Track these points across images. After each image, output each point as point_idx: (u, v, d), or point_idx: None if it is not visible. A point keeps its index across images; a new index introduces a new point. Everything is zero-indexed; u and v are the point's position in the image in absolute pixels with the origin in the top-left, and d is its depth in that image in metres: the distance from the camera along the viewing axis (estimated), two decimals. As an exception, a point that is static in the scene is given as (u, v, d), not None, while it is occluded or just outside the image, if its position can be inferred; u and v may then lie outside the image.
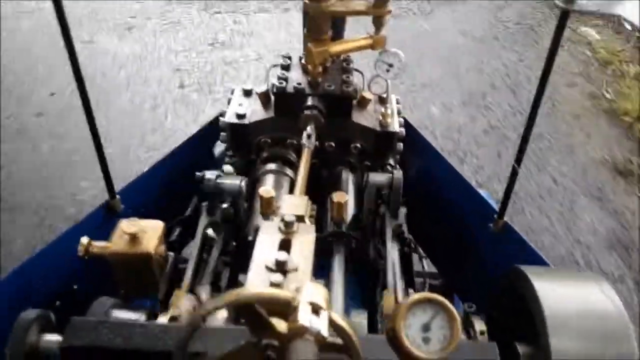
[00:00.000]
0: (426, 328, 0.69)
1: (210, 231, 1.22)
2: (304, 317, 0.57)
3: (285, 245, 0.80)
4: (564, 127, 3.22)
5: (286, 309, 0.61)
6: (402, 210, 1.24)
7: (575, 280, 0.97)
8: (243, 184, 1.20)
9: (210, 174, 1.19)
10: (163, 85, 3.39)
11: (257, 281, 0.72)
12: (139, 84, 3.38)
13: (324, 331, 0.57)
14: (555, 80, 3.51)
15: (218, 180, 1.19)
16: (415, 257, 1.60)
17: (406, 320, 0.68)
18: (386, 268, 1.12)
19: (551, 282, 0.92)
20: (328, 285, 1.08)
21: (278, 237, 0.82)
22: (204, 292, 1.08)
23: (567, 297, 0.89)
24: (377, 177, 1.22)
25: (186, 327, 0.62)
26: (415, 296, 0.69)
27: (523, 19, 4.21)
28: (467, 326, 0.97)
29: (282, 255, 0.75)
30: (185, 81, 3.44)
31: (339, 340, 0.63)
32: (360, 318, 0.98)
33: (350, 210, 1.22)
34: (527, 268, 0.94)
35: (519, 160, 1.10)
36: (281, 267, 0.74)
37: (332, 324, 0.60)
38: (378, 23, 1.27)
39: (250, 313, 0.64)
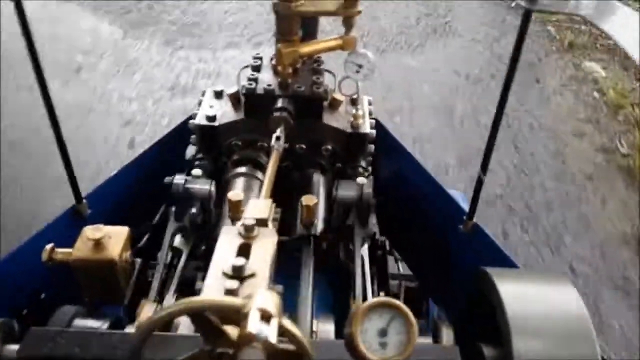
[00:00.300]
0: (383, 333, 0.68)
1: (178, 237, 1.21)
2: (253, 324, 0.56)
3: (244, 251, 0.79)
4: (576, 192, 2.85)
5: (238, 316, 0.60)
6: (372, 217, 1.23)
7: (540, 281, 0.97)
8: (212, 188, 1.19)
9: (178, 178, 1.18)
10: (109, 144, 2.87)
11: (212, 288, 0.71)
12: (81, 144, 2.82)
13: (272, 338, 0.56)
14: (562, 130, 3.20)
15: (187, 185, 1.18)
16: (391, 259, 1.60)
17: (362, 325, 0.68)
18: (355, 273, 1.11)
19: (516, 283, 0.92)
20: (297, 288, 1.07)
21: (238, 241, 0.81)
22: (171, 300, 1.07)
23: (530, 299, 0.89)
24: (346, 192, 1.21)
25: (136, 336, 0.61)
26: (371, 301, 0.68)
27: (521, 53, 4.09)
28: (434, 330, 0.97)
29: (239, 261, 0.74)
30: (137, 138, 2.91)
31: (292, 347, 0.62)
32: (327, 323, 0.97)
33: (320, 213, 1.21)
34: (492, 270, 0.94)
35: (490, 145, 1.08)
36: (238, 273, 0.73)
37: (283, 330, 0.59)
38: (348, 24, 1.26)
39: (203, 321, 0.63)
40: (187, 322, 0.90)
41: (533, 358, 0.79)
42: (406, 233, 1.49)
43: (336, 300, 1.20)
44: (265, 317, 0.57)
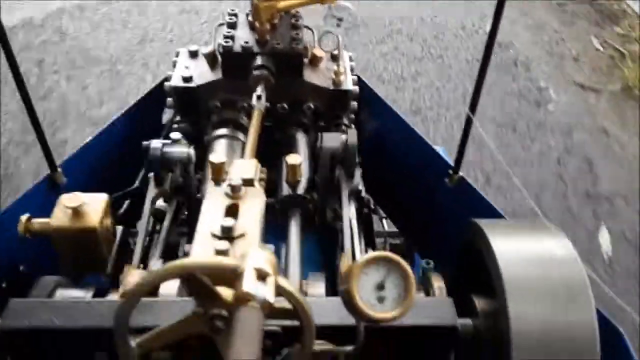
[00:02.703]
0: (380, 287, 0.67)
1: (160, 202, 1.17)
2: (249, 284, 0.54)
3: (232, 211, 0.77)
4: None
5: (232, 277, 0.58)
6: (358, 171, 1.21)
7: (532, 232, 0.96)
8: (191, 150, 1.14)
9: (155, 143, 1.13)
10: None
11: (202, 250, 0.69)
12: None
13: (270, 297, 0.54)
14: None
15: (165, 149, 1.13)
16: (376, 217, 1.59)
17: (359, 280, 0.66)
18: (343, 229, 1.09)
19: (507, 235, 0.91)
20: (285, 249, 1.05)
21: (225, 202, 0.78)
22: (156, 266, 1.04)
23: (523, 250, 0.88)
24: (331, 142, 1.18)
25: (123, 302, 0.58)
26: (367, 255, 0.66)
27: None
28: (426, 284, 0.96)
29: (229, 222, 0.71)
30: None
31: (289, 305, 0.60)
32: (318, 280, 0.95)
33: (305, 173, 1.18)
34: (483, 222, 0.92)
35: (472, 108, 1.07)
36: (227, 234, 0.70)
37: (280, 289, 0.57)
38: (325, -25, 1.22)
39: (195, 283, 0.61)
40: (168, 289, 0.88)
41: (527, 310, 0.79)
42: (391, 190, 1.48)
43: (324, 259, 1.19)
44: (262, 276, 0.55)
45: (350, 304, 0.67)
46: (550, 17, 4.32)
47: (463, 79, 3.44)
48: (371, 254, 0.67)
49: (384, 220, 1.64)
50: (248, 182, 0.84)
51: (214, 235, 0.71)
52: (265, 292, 0.54)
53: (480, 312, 0.89)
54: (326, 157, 1.17)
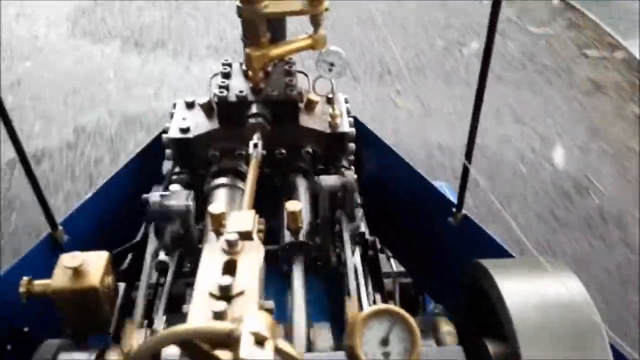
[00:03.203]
0: (385, 342, 0.65)
1: (162, 255, 1.16)
2: (246, 350, 0.53)
3: (230, 268, 0.75)
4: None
5: (229, 340, 0.57)
6: (359, 212, 1.20)
7: (539, 270, 0.93)
8: (191, 202, 1.14)
9: (154, 197, 1.13)
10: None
11: (199, 312, 0.67)
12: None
13: None
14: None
15: (164, 202, 1.13)
16: (383, 257, 1.57)
17: (363, 335, 0.65)
18: (347, 274, 1.08)
19: (514, 275, 0.88)
20: (290, 297, 1.04)
21: (222, 259, 0.77)
22: (160, 322, 1.02)
23: (531, 290, 0.85)
24: (329, 181, 1.17)
25: None
26: (368, 310, 0.65)
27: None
28: (435, 329, 0.94)
29: (226, 280, 0.70)
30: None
31: None
32: (324, 331, 0.93)
33: (306, 218, 1.17)
34: (488, 262, 0.91)
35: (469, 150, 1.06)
36: (225, 293, 0.69)
37: (280, 352, 0.56)
38: (315, 22, 1.23)
39: (192, 348, 0.59)
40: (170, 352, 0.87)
41: (540, 352, 0.77)
42: (396, 230, 1.46)
43: (331, 305, 1.17)
44: (259, 340, 0.54)
45: None
46: (628, 133, 3.09)
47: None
48: (373, 307, 0.65)
49: (392, 260, 1.62)
50: (246, 236, 0.83)
51: (212, 295, 0.70)
52: (264, 357, 0.53)
53: (493, 356, 0.86)
54: (325, 198, 1.16)
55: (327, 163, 1.33)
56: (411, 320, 0.65)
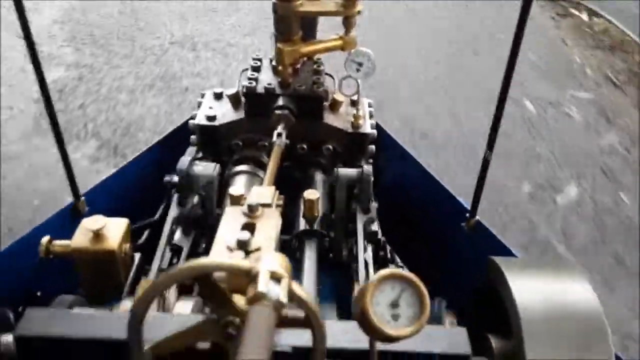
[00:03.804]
0: (394, 305, 0.66)
1: (178, 234, 1.18)
2: (263, 284, 0.55)
3: (249, 228, 0.78)
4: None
5: (246, 282, 0.59)
6: (374, 205, 1.22)
7: (550, 271, 0.94)
8: (216, 172, 1.17)
9: (184, 161, 1.16)
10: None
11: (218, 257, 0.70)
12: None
13: (283, 297, 0.54)
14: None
15: (193, 168, 1.16)
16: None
17: (374, 297, 0.66)
18: (358, 267, 1.09)
19: (525, 274, 0.90)
20: (300, 279, 1.05)
21: (242, 220, 0.80)
22: (172, 293, 1.04)
23: (541, 290, 0.86)
24: (348, 172, 1.20)
25: (138, 300, 0.59)
26: (382, 272, 0.66)
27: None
28: (438, 320, 0.95)
29: (244, 235, 0.72)
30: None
31: (300, 314, 0.60)
32: (330, 310, 0.95)
33: (321, 210, 1.19)
34: (501, 260, 0.92)
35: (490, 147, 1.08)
36: (243, 247, 0.71)
37: (293, 294, 0.57)
38: (348, 23, 1.27)
39: (209, 287, 0.61)
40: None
41: (544, 353, 0.77)
42: (409, 234, 1.48)
43: (338, 296, 1.18)
44: (276, 277, 0.56)
45: (364, 321, 0.66)
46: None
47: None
48: (386, 270, 0.67)
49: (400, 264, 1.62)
50: (266, 206, 0.86)
51: (229, 248, 0.72)
52: (279, 292, 0.54)
53: (496, 351, 0.87)
54: (342, 188, 1.19)
55: (346, 162, 1.36)
56: (422, 286, 0.66)
